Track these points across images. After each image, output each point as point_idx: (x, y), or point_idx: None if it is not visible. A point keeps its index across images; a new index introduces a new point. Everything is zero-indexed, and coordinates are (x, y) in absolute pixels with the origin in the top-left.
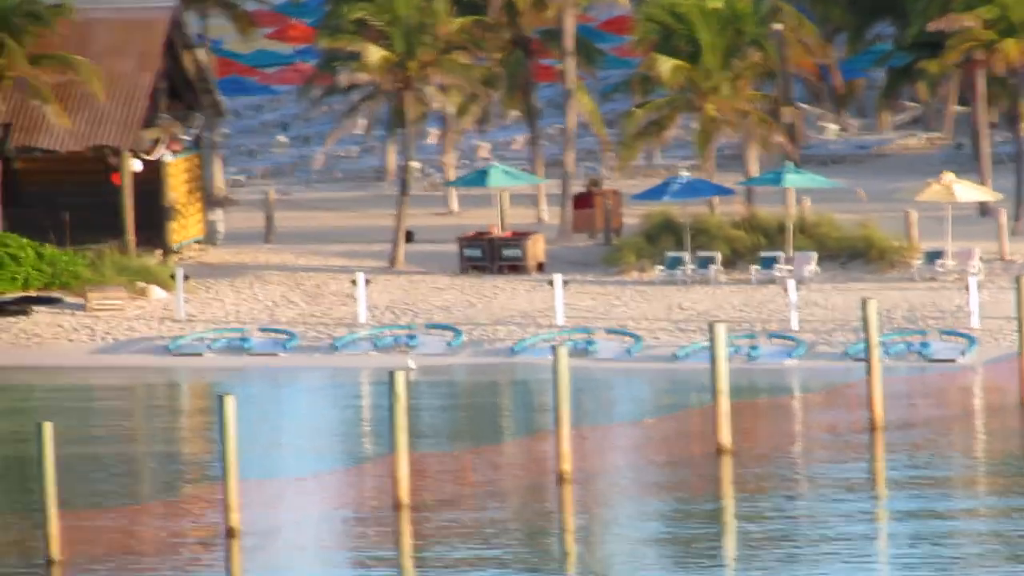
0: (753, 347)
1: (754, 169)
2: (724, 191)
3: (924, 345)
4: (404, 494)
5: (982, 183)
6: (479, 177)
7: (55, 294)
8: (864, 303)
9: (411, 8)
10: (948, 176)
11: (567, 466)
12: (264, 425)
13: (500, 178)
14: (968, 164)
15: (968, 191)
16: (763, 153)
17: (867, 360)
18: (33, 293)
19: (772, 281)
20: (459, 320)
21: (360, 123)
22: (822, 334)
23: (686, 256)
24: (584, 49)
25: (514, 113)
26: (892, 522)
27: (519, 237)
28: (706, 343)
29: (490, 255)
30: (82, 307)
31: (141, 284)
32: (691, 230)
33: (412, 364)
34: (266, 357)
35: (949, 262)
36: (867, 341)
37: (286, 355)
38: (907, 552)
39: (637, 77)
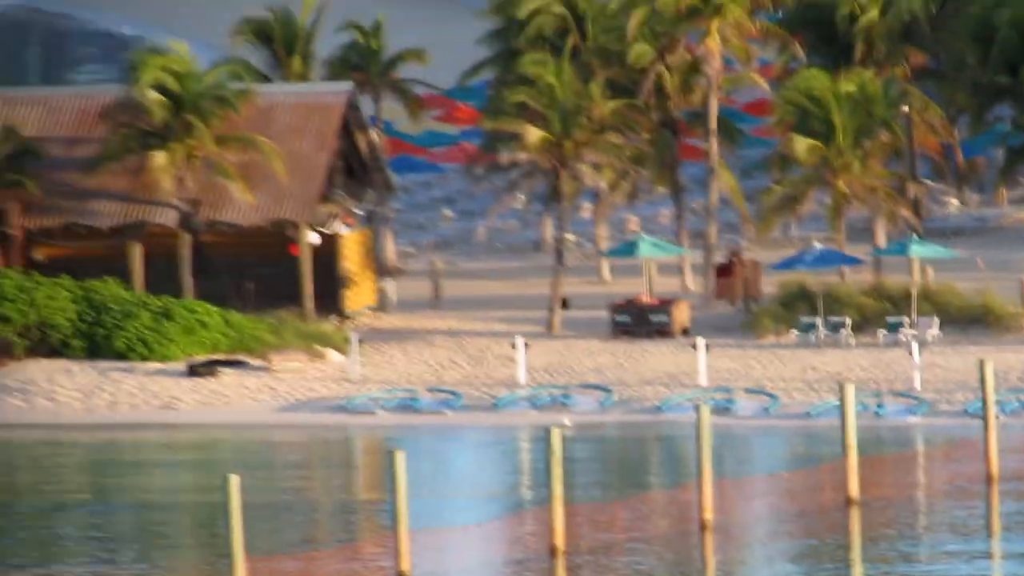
0: (880, 405)
1: (882, 240)
2: (854, 261)
3: None
4: (560, 541)
5: None
6: (629, 248)
7: (240, 357)
8: (981, 364)
9: (568, 92)
10: None
11: (709, 515)
12: (432, 478)
13: (648, 249)
14: None
15: None
16: (890, 226)
17: (984, 417)
18: (221, 356)
19: (897, 344)
20: (610, 381)
21: (519, 198)
22: (943, 393)
23: (819, 321)
24: (727, 130)
25: (661, 189)
26: (1005, 562)
27: (665, 304)
28: (837, 401)
29: (639, 320)
30: (265, 369)
31: (319, 348)
32: (823, 297)
33: (567, 421)
34: (434, 415)
35: None
36: (984, 399)
37: (452, 413)
38: None
39: (775, 156)
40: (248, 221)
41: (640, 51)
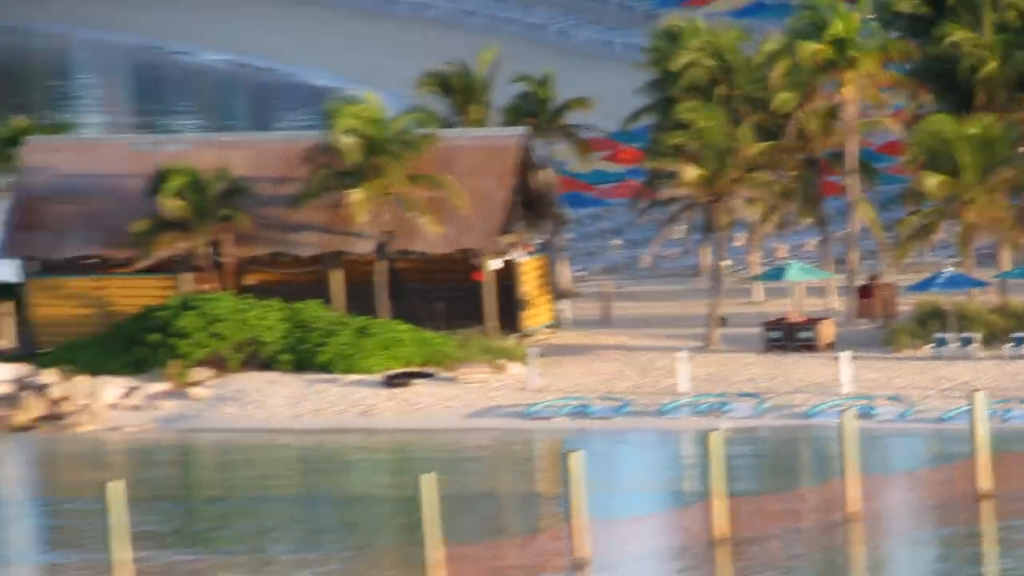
0: (1007, 410)
1: (1006, 265)
2: (981, 283)
3: None
4: (720, 531)
5: None
6: (779, 273)
7: (431, 369)
8: None
9: (720, 135)
10: None
11: (853, 508)
12: (604, 475)
13: (796, 273)
14: None
15: None
16: (1014, 251)
17: None
18: (413, 369)
19: (1022, 357)
20: (763, 390)
21: (679, 229)
22: None
23: (950, 336)
24: (864, 168)
25: (807, 220)
26: None
27: (812, 322)
28: (967, 407)
29: (789, 336)
30: (453, 380)
31: (501, 361)
32: (954, 315)
33: (725, 426)
34: (604, 420)
35: None
36: None
37: (621, 419)
38: None
39: (908, 191)
40: (436, 250)
41: (783, 99)
